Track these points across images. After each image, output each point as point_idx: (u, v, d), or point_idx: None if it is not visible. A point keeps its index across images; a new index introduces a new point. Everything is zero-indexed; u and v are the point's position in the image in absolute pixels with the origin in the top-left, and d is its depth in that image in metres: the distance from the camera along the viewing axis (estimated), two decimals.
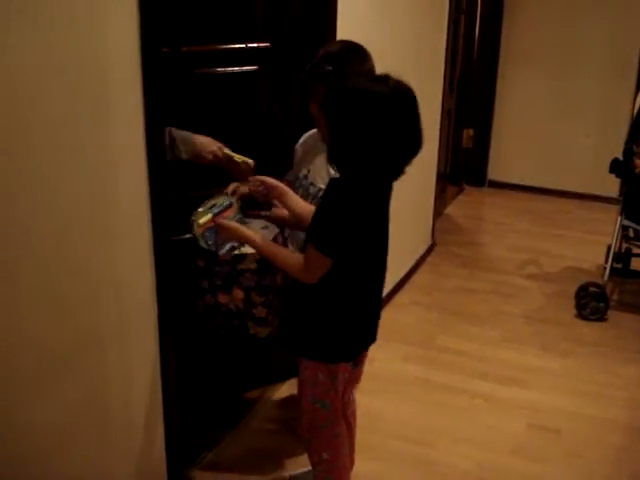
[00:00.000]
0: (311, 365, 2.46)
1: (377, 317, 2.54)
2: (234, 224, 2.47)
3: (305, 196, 2.66)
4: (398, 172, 2.24)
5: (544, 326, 4.43)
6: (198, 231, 2.44)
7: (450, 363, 3.95)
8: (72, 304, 2.13)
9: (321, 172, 2.68)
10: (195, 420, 3.11)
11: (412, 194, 4.80)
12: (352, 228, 2.21)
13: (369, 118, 2.12)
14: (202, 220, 2.45)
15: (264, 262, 2.44)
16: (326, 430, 2.56)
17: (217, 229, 2.46)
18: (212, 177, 2.81)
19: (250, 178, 2.58)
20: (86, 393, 2.24)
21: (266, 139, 3.18)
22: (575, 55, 6.70)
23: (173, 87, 2.74)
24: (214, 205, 2.50)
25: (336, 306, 2.36)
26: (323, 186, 2.61)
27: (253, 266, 2.44)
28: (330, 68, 2.45)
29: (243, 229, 2.43)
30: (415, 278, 5.03)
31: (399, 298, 4.65)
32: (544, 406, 3.58)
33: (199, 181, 2.90)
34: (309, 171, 2.72)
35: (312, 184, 2.71)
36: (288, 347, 2.51)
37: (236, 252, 2.48)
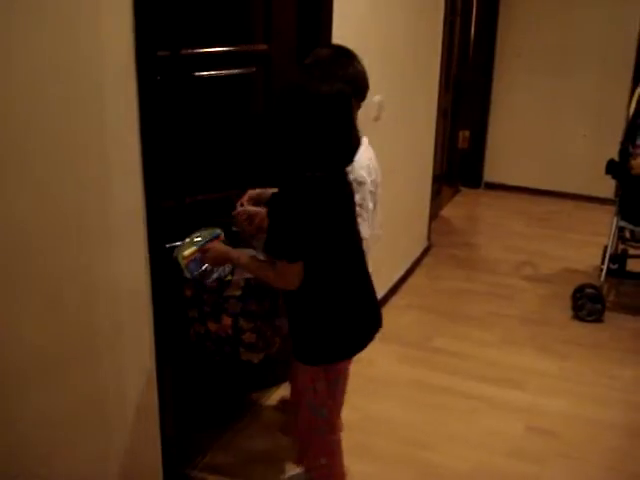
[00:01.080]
0: (309, 371, 2.45)
1: (372, 306, 2.54)
2: (217, 244, 2.52)
3: None
4: (336, 170, 2.30)
5: (541, 327, 4.43)
6: (183, 263, 2.49)
7: (447, 365, 3.94)
8: (69, 309, 2.12)
9: None
10: (190, 423, 3.10)
11: (408, 195, 4.79)
12: (301, 228, 2.22)
13: (300, 115, 2.17)
14: (187, 252, 2.51)
15: (248, 288, 2.46)
16: (325, 436, 2.56)
17: (202, 254, 2.49)
18: (210, 182, 2.82)
19: (233, 212, 2.63)
20: (82, 396, 2.24)
21: (263, 141, 3.15)
22: (571, 56, 6.69)
23: (172, 90, 2.73)
24: (199, 236, 2.55)
25: (321, 306, 2.37)
26: None
27: (237, 292, 2.46)
28: (316, 72, 2.46)
29: (226, 248, 2.47)
30: (411, 280, 5.02)
31: (395, 300, 4.64)
32: (541, 408, 3.57)
33: (197, 186, 2.91)
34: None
35: None
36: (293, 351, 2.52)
37: (228, 279, 2.51)
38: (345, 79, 2.53)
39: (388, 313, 4.19)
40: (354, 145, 2.31)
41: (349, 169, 2.52)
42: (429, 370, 3.88)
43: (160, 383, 2.56)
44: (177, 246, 2.50)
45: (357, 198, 2.60)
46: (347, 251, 2.41)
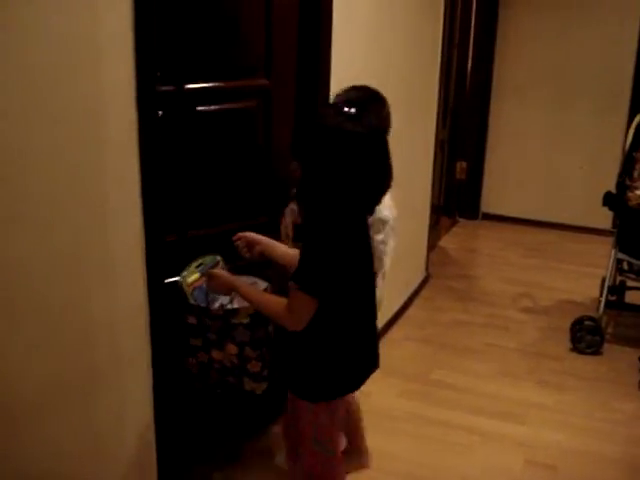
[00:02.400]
0: (313, 408, 2.42)
1: (374, 346, 2.52)
2: (223, 272, 2.49)
3: None
4: (369, 208, 2.29)
5: (539, 360, 4.41)
6: (188, 290, 2.46)
7: (445, 398, 3.92)
8: (68, 342, 2.12)
9: None
10: (189, 456, 3.08)
11: (406, 226, 4.79)
12: (335, 265, 2.19)
13: (337, 155, 2.13)
14: (190, 279, 2.48)
15: (257, 315, 2.43)
16: (327, 473, 2.53)
17: (207, 279, 2.47)
18: (213, 216, 2.83)
19: (233, 237, 2.61)
20: (80, 429, 2.23)
21: (265, 174, 3.17)
22: (567, 89, 6.74)
23: (173, 125, 2.74)
24: (201, 264, 2.53)
25: (328, 346, 2.33)
26: None
27: (246, 320, 2.43)
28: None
29: (231, 277, 2.44)
30: (410, 312, 5.01)
31: (394, 333, 4.62)
32: (540, 442, 3.55)
33: (200, 220, 2.91)
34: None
35: None
36: (291, 389, 2.50)
37: (229, 307, 2.49)
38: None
39: (387, 345, 4.21)
40: (388, 184, 2.27)
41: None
42: (427, 404, 3.86)
43: (158, 417, 2.54)
44: (181, 274, 2.47)
45: (380, 237, 2.65)
46: (364, 291, 2.40)
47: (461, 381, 4.11)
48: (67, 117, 1.97)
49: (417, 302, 5.24)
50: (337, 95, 2.66)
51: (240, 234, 2.59)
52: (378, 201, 2.28)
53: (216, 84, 2.98)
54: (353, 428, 3.16)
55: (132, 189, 2.24)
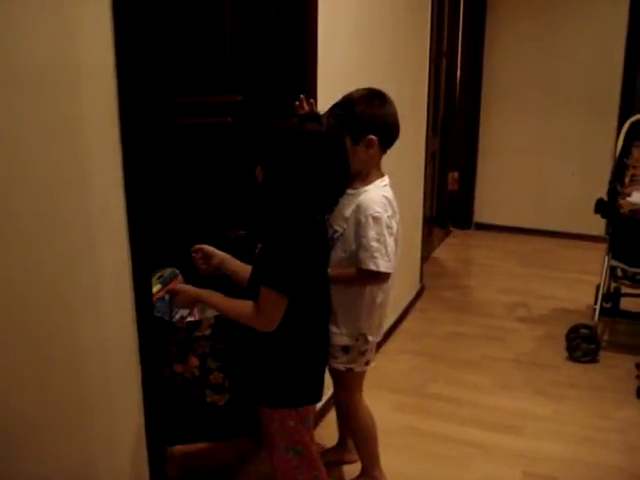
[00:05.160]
0: (278, 415, 2.42)
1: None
2: (188, 286, 2.50)
3: None
4: (327, 207, 2.38)
5: (535, 370, 4.39)
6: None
7: (441, 411, 3.89)
8: (55, 372, 2.08)
9: (341, 212, 2.70)
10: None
11: (399, 238, 4.77)
12: (300, 262, 2.25)
13: (291, 155, 2.22)
14: (152, 290, 2.46)
15: (218, 327, 2.44)
16: (303, 476, 2.52)
17: (171, 295, 2.48)
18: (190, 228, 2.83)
19: (191, 249, 2.62)
20: (69, 462, 2.19)
21: (240, 188, 3.18)
22: (557, 96, 6.75)
23: (150, 139, 2.74)
24: (161, 276, 2.54)
25: (295, 347, 2.37)
26: (339, 229, 2.69)
27: (208, 332, 2.43)
28: (341, 111, 2.62)
29: (196, 289, 2.45)
30: (404, 324, 4.98)
31: (389, 346, 4.59)
32: (539, 453, 3.52)
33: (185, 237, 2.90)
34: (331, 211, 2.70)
35: (330, 226, 2.71)
36: (252, 401, 2.51)
37: (189, 319, 2.48)
38: (373, 120, 2.67)
39: (382, 359, 4.20)
40: (344, 184, 2.35)
41: (362, 207, 2.64)
42: (424, 417, 3.84)
43: (150, 444, 2.51)
44: None
45: (373, 233, 2.63)
46: (323, 292, 2.47)
47: (457, 393, 4.09)
48: (49, 135, 1.94)
49: (412, 314, 5.21)
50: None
51: (197, 246, 2.62)
52: (336, 201, 2.37)
53: (191, 99, 3.05)
54: (369, 449, 3.14)
55: (117, 207, 2.21)
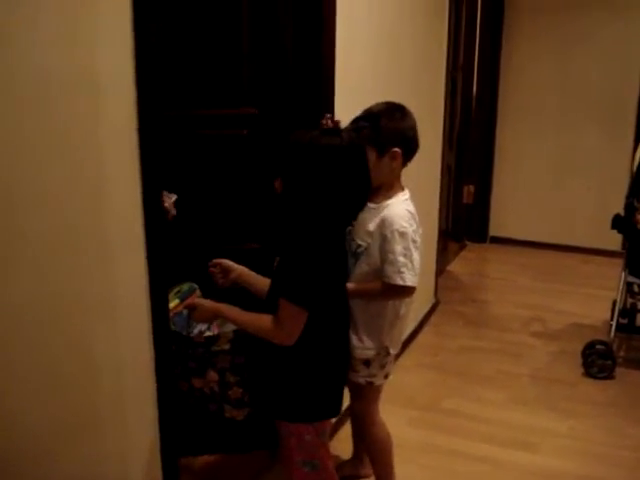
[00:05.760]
0: (296, 429, 2.41)
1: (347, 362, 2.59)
2: (206, 300, 2.50)
3: None
4: (347, 221, 2.40)
5: (551, 386, 4.36)
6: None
7: (456, 427, 3.87)
8: (69, 386, 2.09)
9: (364, 226, 2.71)
10: None
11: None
12: (320, 275, 2.24)
13: (311, 169, 2.21)
14: (170, 305, 2.47)
15: (237, 341, 2.43)
16: None
17: (190, 310, 2.48)
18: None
19: (209, 263, 2.62)
20: (81, 478, 2.19)
21: (255, 201, 3.19)
22: (573, 111, 6.74)
23: (167, 151, 2.75)
24: (179, 291, 2.54)
25: (314, 361, 2.36)
26: (363, 243, 2.68)
27: (227, 346, 2.42)
28: (366, 124, 2.62)
29: (214, 304, 2.45)
30: (419, 339, 4.97)
31: (404, 360, 4.57)
32: (554, 470, 3.50)
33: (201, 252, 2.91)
34: (352, 225, 2.71)
35: (353, 240, 2.73)
36: (270, 415, 2.49)
37: (208, 334, 2.48)
38: (397, 132, 2.70)
39: (396, 373, 4.15)
40: (365, 198, 2.34)
41: (388, 222, 2.64)
42: (438, 433, 3.82)
43: (164, 462, 2.51)
44: None
45: (400, 248, 2.65)
46: (342, 305, 2.45)
47: (472, 409, 4.07)
48: (67, 149, 1.95)
49: (427, 328, 5.20)
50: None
51: (216, 261, 2.62)
52: (356, 215, 2.37)
53: (207, 112, 3.06)
54: (384, 463, 3.13)
55: (134, 221, 2.21)
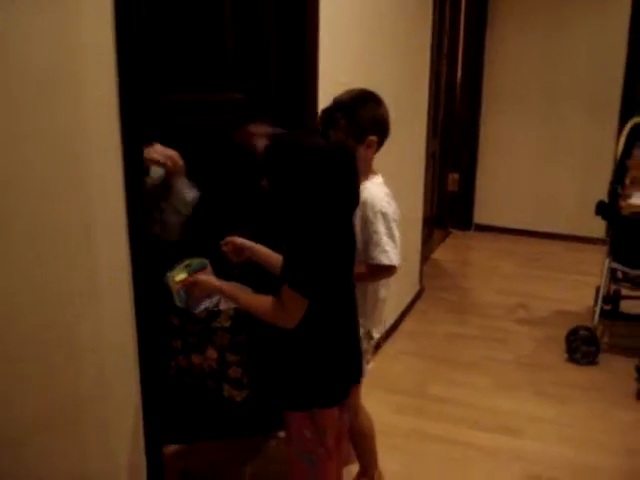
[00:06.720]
0: (296, 419, 2.40)
1: (357, 354, 2.52)
2: (206, 277, 2.49)
3: None
4: (349, 212, 2.33)
5: (535, 371, 4.38)
6: (175, 288, 2.43)
7: (442, 413, 3.88)
8: (55, 371, 2.07)
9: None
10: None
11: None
12: (324, 265, 2.23)
13: (304, 171, 2.19)
14: (179, 277, 2.45)
15: (238, 319, 2.41)
16: None
17: (190, 286, 2.45)
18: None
19: (221, 242, 2.59)
20: (64, 459, 2.18)
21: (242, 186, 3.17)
22: (558, 97, 6.76)
23: (150, 134, 2.73)
24: (188, 265, 2.50)
25: (312, 348, 2.33)
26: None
27: (227, 324, 2.41)
28: (340, 115, 2.62)
29: (216, 281, 2.45)
30: (404, 326, 4.97)
31: (388, 347, 4.58)
32: (538, 455, 3.52)
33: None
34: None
35: None
36: (270, 403, 2.49)
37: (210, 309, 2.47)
38: (373, 121, 2.69)
39: (382, 360, 4.21)
40: (355, 200, 2.33)
41: (369, 204, 2.65)
42: (424, 419, 3.82)
43: (148, 442, 2.50)
44: (168, 272, 2.45)
45: (383, 228, 2.68)
46: (347, 294, 2.42)
47: (457, 395, 4.08)
48: (46, 136, 1.93)
49: (411, 315, 5.21)
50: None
51: (228, 239, 2.59)
52: (354, 206, 2.33)
53: (192, 97, 3.02)
54: (367, 449, 3.13)
55: (116, 201, 2.19)
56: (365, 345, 2.86)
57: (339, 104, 2.70)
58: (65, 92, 1.97)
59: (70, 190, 2.02)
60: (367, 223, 2.69)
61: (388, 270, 2.76)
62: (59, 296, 2.04)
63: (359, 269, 2.70)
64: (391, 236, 2.71)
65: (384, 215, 2.69)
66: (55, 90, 1.93)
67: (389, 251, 2.69)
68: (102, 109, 2.10)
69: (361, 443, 3.10)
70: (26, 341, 1.96)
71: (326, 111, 2.70)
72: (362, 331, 2.81)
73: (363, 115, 2.67)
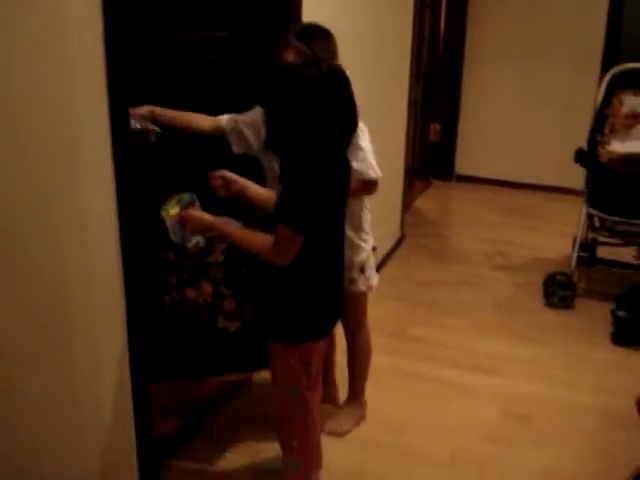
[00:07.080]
0: (282, 350, 2.45)
1: (341, 288, 2.58)
2: (200, 213, 2.49)
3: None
4: (341, 146, 2.33)
5: (513, 314, 4.48)
6: (169, 222, 2.44)
7: (421, 353, 3.97)
8: (45, 298, 2.11)
9: None
10: (166, 415, 3.10)
11: (380, 188, 4.78)
12: (319, 201, 2.25)
13: (301, 100, 2.19)
14: (172, 212, 2.46)
15: (231, 254, 2.44)
16: (296, 418, 2.54)
17: (184, 221, 2.46)
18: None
19: (210, 173, 2.58)
20: (52, 389, 2.24)
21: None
22: (540, 47, 6.75)
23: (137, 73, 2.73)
24: (180, 199, 2.50)
25: (304, 283, 2.37)
26: None
27: (221, 258, 2.45)
28: (293, 35, 2.64)
29: (210, 217, 2.44)
30: (385, 270, 5.02)
31: None
32: (515, 393, 3.62)
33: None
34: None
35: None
36: (260, 333, 2.52)
37: (203, 245, 2.48)
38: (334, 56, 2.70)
39: None
40: (354, 122, 2.33)
41: None
42: (404, 358, 3.91)
43: (134, 375, 2.53)
44: (162, 206, 2.46)
45: (366, 143, 2.82)
46: (337, 230, 2.45)
47: (437, 336, 4.17)
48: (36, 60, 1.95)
49: (392, 261, 5.27)
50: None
51: (217, 173, 2.58)
52: (349, 139, 2.34)
53: (174, 35, 3.05)
54: (360, 370, 3.29)
55: (103, 145, 2.21)
56: (371, 260, 3.08)
57: (293, 29, 2.73)
58: (50, 33, 1.99)
59: (58, 117, 2.05)
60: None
61: (375, 183, 2.90)
62: (45, 224, 2.08)
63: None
64: (371, 151, 2.83)
65: (363, 131, 2.78)
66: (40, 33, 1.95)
67: (374, 165, 2.82)
68: (88, 54, 2.11)
69: (356, 362, 3.22)
70: (10, 268, 1.99)
71: (281, 34, 2.71)
72: (368, 247, 3.03)
73: (314, 44, 2.66)
